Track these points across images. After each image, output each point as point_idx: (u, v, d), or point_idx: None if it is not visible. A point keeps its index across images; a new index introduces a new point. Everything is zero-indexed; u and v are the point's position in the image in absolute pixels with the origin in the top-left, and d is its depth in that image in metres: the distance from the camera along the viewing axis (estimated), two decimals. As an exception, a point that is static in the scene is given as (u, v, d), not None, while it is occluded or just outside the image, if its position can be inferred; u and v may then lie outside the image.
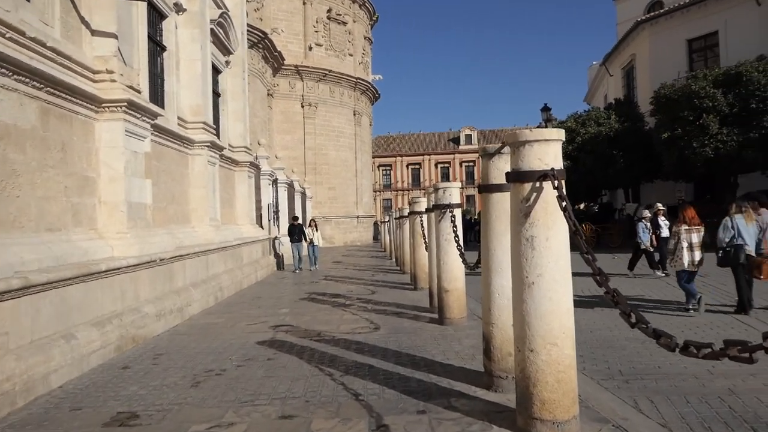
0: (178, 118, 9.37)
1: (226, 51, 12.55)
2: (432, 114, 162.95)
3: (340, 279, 12.81)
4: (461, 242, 6.20)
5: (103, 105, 6.25)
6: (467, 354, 5.12)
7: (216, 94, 12.31)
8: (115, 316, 5.76)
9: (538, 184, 3.05)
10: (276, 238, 17.89)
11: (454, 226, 6.29)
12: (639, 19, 24.23)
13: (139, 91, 7.01)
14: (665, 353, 4.53)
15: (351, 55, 33.08)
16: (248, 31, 23.28)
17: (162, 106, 8.96)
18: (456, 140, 66.50)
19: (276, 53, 27.13)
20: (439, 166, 66.07)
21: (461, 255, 6.17)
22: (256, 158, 15.39)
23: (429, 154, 66.41)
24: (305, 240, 15.69)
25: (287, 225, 16.65)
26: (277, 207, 18.97)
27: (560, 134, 3.19)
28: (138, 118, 6.90)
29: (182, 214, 9.33)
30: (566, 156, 20.58)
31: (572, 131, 20.74)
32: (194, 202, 9.83)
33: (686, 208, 7.55)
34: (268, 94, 27.79)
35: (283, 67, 29.30)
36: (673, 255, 7.38)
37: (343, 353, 5.33)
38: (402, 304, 8.51)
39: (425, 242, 9.39)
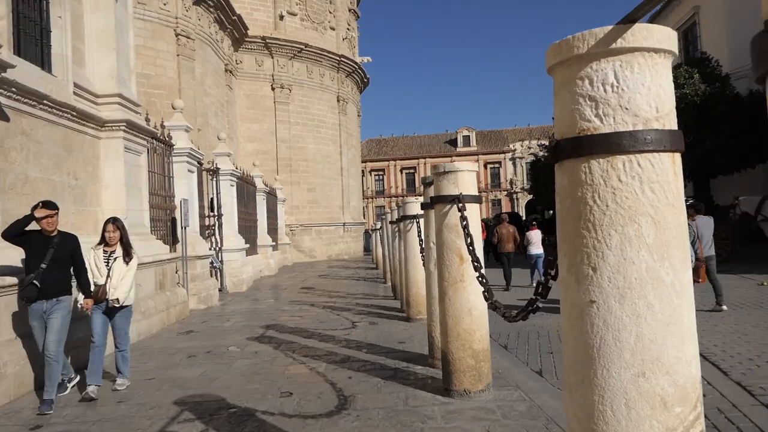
0: None
1: None
2: (427, 115, 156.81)
3: (290, 337, 6.81)
4: None
5: None
6: None
7: (41, -16, 6.38)
8: None
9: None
10: (212, 254, 11.98)
11: None
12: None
13: None
14: None
15: (333, 28, 27.16)
16: (189, -24, 17.50)
17: None
18: (453, 142, 61.06)
19: (235, 18, 21.23)
20: (436, 169, 60.42)
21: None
22: (161, 126, 9.41)
23: (425, 158, 60.90)
24: (80, 292, 4.61)
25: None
26: (218, 209, 13.05)
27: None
28: None
29: None
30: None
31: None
32: None
33: None
34: (226, 70, 21.86)
35: (247, 39, 23.39)
36: None
37: None
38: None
39: (477, 271, 3.54)
